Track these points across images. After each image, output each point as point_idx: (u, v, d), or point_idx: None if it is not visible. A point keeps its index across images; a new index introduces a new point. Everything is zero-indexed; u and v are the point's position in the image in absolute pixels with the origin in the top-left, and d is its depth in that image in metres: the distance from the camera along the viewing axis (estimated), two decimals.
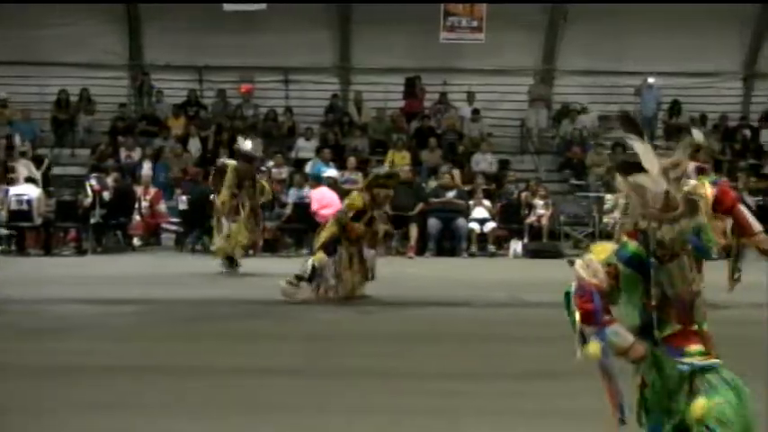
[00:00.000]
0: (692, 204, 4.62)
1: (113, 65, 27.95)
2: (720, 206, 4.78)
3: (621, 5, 26.44)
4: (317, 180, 21.96)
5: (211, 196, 17.04)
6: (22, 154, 22.41)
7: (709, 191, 4.78)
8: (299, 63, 27.66)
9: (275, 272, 16.03)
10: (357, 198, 13.61)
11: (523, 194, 23.04)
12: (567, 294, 4.79)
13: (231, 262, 16.58)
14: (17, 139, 23.60)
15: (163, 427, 7.04)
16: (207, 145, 25.99)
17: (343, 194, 19.96)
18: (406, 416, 7.26)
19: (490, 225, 22.15)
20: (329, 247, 13.32)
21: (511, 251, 22.01)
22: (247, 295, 14.08)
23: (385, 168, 15.00)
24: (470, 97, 27.47)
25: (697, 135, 11.55)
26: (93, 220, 21.15)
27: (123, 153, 25.16)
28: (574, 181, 25.54)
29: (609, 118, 27.57)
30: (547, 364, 8.46)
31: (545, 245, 21.88)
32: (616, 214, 21.46)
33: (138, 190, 22.52)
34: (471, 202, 22.42)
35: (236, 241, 16.33)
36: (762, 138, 27.05)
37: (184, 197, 22.32)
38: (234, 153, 16.59)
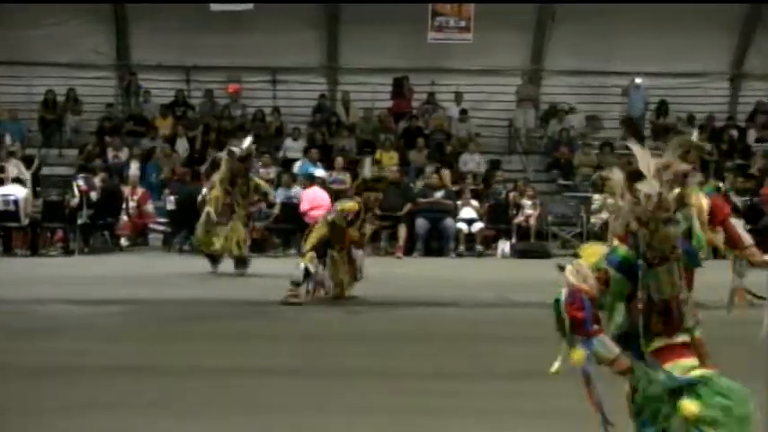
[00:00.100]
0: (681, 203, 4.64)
1: (100, 65, 27.88)
2: (713, 218, 4.79)
3: (609, 6, 26.45)
4: (310, 180, 21.91)
5: (203, 191, 17.00)
6: (12, 154, 22.33)
7: (704, 201, 4.80)
8: (286, 63, 27.62)
9: (263, 272, 16.08)
10: (354, 205, 13.56)
11: (511, 194, 23.05)
12: (557, 301, 4.78)
13: (243, 263, 16.52)
14: (8, 139, 23.53)
15: (162, 427, 7.04)
16: (194, 145, 25.93)
17: (332, 194, 20.00)
18: (404, 416, 7.28)
19: (478, 225, 22.15)
20: (320, 250, 13.30)
21: (499, 251, 22.02)
22: (236, 295, 14.07)
23: (368, 163, 15.01)
24: (458, 97, 27.46)
25: (692, 136, 11.58)
26: (80, 221, 21.06)
27: (110, 153, 25.09)
28: (561, 181, 25.56)
29: (597, 118, 27.64)
30: (536, 364, 8.42)
31: (533, 245, 21.90)
32: (603, 214, 21.62)
33: (126, 190, 22.45)
34: (459, 203, 22.42)
35: (237, 239, 16.31)
36: (749, 138, 27.10)
37: (172, 197, 22.28)
38: (229, 152, 16.54)
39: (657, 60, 27.12)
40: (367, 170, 14.47)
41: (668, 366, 4.69)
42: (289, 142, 25.96)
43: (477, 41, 26.36)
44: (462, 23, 26.45)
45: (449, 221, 21.87)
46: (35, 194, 21.39)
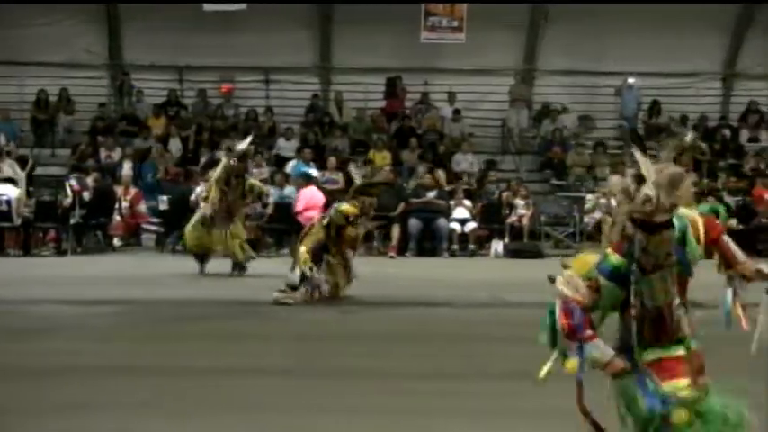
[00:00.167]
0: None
1: (93, 65, 27.83)
2: (707, 237, 4.81)
3: (602, 6, 26.47)
4: (307, 179, 21.87)
5: (197, 189, 16.98)
6: (7, 154, 22.28)
7: (699, 219, 4.82)
8: (279, 63, 27.60)
9: (256, 272, 16.06)
10: (353, 209, 13.58)
11: (504, 194, 23.07)
12: (552, 313, 4.81)
13: (241, 266, 16.50)
14: (2, 139, 23.50)
15: (154, 427, 7.04)
16: (187, 145, 25.92)
17: (326, 195, 20.01)
18: (398, 416, 7.28)
19: (471, 225, 22.16)
20: (317, 254, 13.28)
21: (492, 251, 22.03)
22: (229, 296, 14.06)
23: (353, 169, 15.09)
24: (451, 97, 27.47)
25: (688, 137, 11.58)
26: (72, 221, 21.04)
27: (103, 153, 25.06)
28: (554, 181, 25.59)
29: (589, 118, 27.67)
30: (530, 364, 8.44)
31: (526, 245, 21.91)
32: (596, 214, 21.64)
33: (119, 190, 22.43)
34: (452, 202, 22.42)
35: (240, 242, 16.32)
36: (741, 138, 27.16)
37: (165, 197, 22.26)
38: (229, 150, 16.55)
39: (650, 60, 27.15)
40: (356, 175, 14.53)
41: (662, 379, 4.72)
42: (281, 142, 25.95)
43: (470, 41, 26.36)
44: (455, 23, 26.45)
45: (442, 221, 21.87)
46: (29, 195, 21.35)
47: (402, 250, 21.57)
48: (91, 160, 24.19)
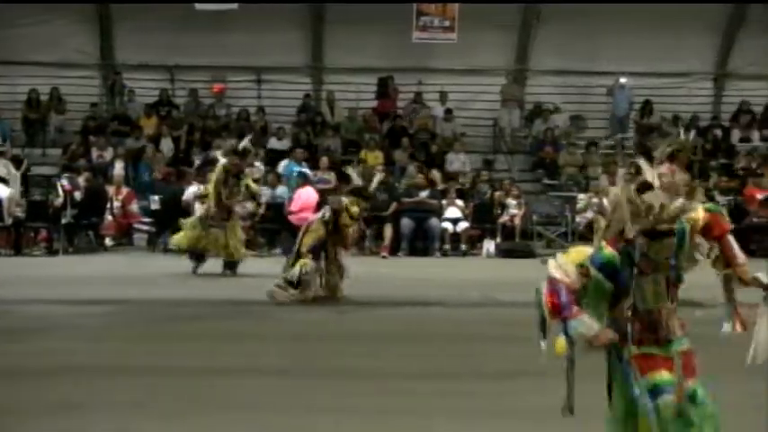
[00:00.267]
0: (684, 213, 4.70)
1: (84, 64, 27.78)
2: (710, 233, 4.81)
3: (594, 6, 26.49)
4: (304, 179, 21.85)
5: (191, 189, 16.94)
6: (1, 154, 22.24)
7: (701, 214, 4.82)
8: (271, 63, 27.59)
9: (249, 272, 16.06)
10: (357, 209, 13.62)
11: (496, 194, 23.07)
12: (539, 291, 4.84)
13: (233, 266, 16.49)
14: None
15: (148, 427, 7.02)
16: (179, 145, 25.90)
17: (320, 194, 20.00)
18: (391, 415, 7.28)
19: (463, 225, 22.17)
20: (317, 252, 13.29)
21: (484, 251, 22.04)
22: (223, 295, 14.05)
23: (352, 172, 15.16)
24: (443, 97, 27.47)
25: (689, 136, 11.57)
26: (64, 221, 21.02)
27: (95, 153, 25.02)
28: (546, 181, 25.60)
29: (581, 118, 27.69)
30: (522, 364, 8.44)
31: (518, 244, 21.92)
32: (588, 214, 21.65)
33: (110, 190, 22.40)
34: (444, 202, 22.43)
35: (236, 243, 16.30)
36: (732, 137, 27.21)
37: (156, 197, 22.24)
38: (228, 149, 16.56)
39: (642, 60, 27.19)
40: (355, 178, 14.57)
41: (644, 378, 4.73)
42: (273, 142, 25.93)
43: (462, 41, 26.37)
44: (447, 23, 26.46)
45: (434, 221, 21.88)
46: (24, 195, 21.32)
47: (394, 250, 21.58)
48: (82, 160, 24.16)
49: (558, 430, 6.59)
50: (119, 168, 23.43)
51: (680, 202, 4.67)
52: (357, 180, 14.39)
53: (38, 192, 22.37)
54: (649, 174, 4.70)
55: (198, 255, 16.54)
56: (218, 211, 16.14)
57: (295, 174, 22.59)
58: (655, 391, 4.69)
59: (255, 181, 19.34)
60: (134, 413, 7.28)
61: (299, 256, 13.31)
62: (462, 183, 24.29)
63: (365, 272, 15.21)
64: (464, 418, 7.23)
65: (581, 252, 4.90)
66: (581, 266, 4.77)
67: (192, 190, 20.40)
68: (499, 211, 22.54)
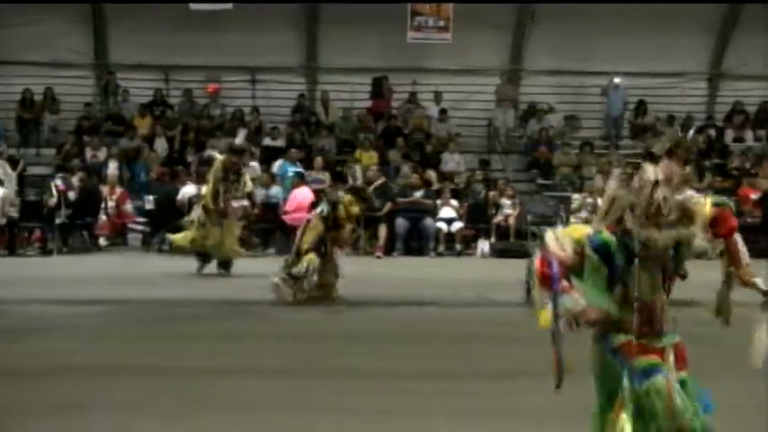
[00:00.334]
0: (687, 214, 4.69)
1: (78, 64, 27.75)
2: (717, 228, 4.80)
3: (588, 6, 26.52)
4: (301, 179, 21.84)
5: (184, 189, 16.92)
6: None
7: (708, 209, 4.81)
8: (265, 63, 27.57)
9: (243, 272, 16.05)
10: (358, 210, 13.67)
11: (491, 194, 23.08)
12: (531, 260, 4.84)
13: (228, 265, 16.49)
14: None
15: (146, 427, 7.02)
16: (173, 145, 25.88)
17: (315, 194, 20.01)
18: (389, 415, 7.28)
19: (457, 225, 22.18)
20: (318, 248, 13.30)
21: (478, 251, 22.04)
22: (220, 295, 14.05)
23: (357, 171, 15.17)
24: (437, 97, 27.49)
25: (689, 134, 11.62)
26: (58, 221, 20.98)
27: (89, 153, 24.99)
28: (541, 180, 25.62)
29: (576, 118, 27.72)
30: (518, 364, 8.51)
31: (512, 244, 21.90)
32: (583, 213, 21.67)
33: (104, 190, 22.38)
34: (439, 202, 22.43)
35: (233, 242, 16.30)
36: (726, 137, 27.27)
37: (151, 197, 22.23)
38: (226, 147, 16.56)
39: (636, 60, 27.23)
40: (357, 176, 14.62)
41: (634, 360, 4.73)
42: (268, 142, 25.91)
43: (457, 41, 26.39)
44: (441, 23, 26.47)
45: (428, 221, 21.88)
46: (18, 195, 21.30)
47: (389, 250, 21.56)
48: (76, 160, 24.13)
49: (558, 430, 6.63)
50: (113, 168, 23.41)
51: (683, 195, 4.68)
52: (359, 178, 14.44)
53: (32, 192, 22.35)
54: (650, 170, 4.70)
55: (204, 255, 16.49)
56: (215, 209, 16.10)
57: (290, 174, 22.58)
58: (646, 372, 4.68)
59: (252, 180, 19.37)
60: (134, 413, 7.28)
61: (299, 253, 13.30)
62: (457, 183, 24.31)
63: (360, 272, 15.20)
64: (464, 418, 7.24)
65: (580, 230, 4.89)
66: (578, 244, 4.78)
67: (185, 190, 20.40)
68: (494, 211, 22.55)
